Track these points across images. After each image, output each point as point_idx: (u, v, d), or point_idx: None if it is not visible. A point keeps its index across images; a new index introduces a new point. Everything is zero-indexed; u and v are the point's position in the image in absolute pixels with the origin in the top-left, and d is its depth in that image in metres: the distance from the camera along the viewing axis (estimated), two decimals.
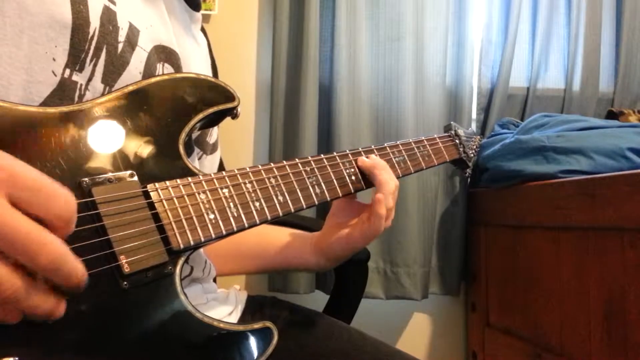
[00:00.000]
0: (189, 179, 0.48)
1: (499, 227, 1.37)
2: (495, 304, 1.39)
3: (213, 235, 0.47)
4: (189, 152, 0.63)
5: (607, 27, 1.62)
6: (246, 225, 0.50)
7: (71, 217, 0.33)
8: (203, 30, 0.76)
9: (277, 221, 0.55)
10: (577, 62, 1.57)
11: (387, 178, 0.63)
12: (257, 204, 0.52)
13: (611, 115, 1.49)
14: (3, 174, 0.30)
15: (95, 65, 0.49)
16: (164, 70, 0.58)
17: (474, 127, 1.55)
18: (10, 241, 0.29)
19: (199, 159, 0.69)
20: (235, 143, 1.48)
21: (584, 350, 1.02)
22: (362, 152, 0.66)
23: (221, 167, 0.80)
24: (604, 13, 1.59)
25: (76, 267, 0.33)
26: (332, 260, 0.70)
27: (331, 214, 0.71)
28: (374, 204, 0.62)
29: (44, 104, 0.45)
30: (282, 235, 0.76)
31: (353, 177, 0.63)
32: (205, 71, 0.72)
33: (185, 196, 0.47)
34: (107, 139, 0.45)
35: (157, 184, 0.45)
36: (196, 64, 0.67)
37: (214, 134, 0.72)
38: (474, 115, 1.55)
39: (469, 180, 1.48)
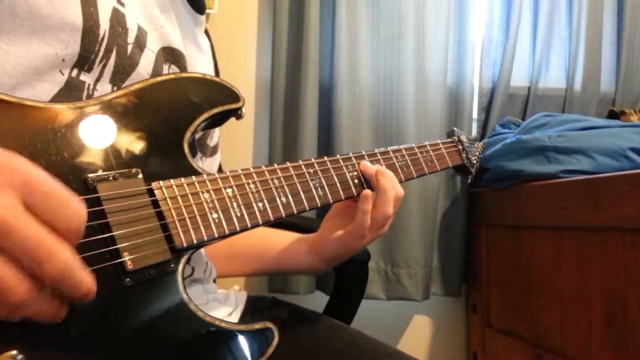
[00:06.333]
0: (193, 178, 0.48)
1: (500, 228, 1.36)
2: (496, 305, 1.39)
3: (216, 235, 0.47)
4: (193, 153, 0.63)
5: (609, 27, 1.62)
6: (249, 225, 0.50)
7: (80, 226, 0.33)
8: (207, 32, 0.76)
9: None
10: (578, 61, 1.57)
11: (389, 186, 0.63)
12: (260, 204, 0.52)
13: (612, 115, 1.49)
14: (18, 179, 0.30)
15: (104, 67, 0.49)
16: (170, 71, 0.58)
17: (475, 126, 1.55)
18: (21, 246, 0.29)
19: (200, 160, 0.69)
20: (235, 143, 1.48)
21: (585, 351, 1.02)
22: (366, 156, 0.66)
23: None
24: (605, 12, 1.59)
25: (84, 279, 0.32)
26: (325, 262, 0.70)
27: (329, 216, 0.71)
28: (360, 200, 0.62)
29: (52, 102, 0.45)
30: (279, 236, 0.76)
31: (356, 180, 0.63)
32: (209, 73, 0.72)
33: (189, 195, 0.47)
34: (112, 136, 0.45)
35: (161, 182, 0.46)
36: (200, 68, 0.67)
37: (214, 137, 0.72)
38: (474, 115, 1.55)
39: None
